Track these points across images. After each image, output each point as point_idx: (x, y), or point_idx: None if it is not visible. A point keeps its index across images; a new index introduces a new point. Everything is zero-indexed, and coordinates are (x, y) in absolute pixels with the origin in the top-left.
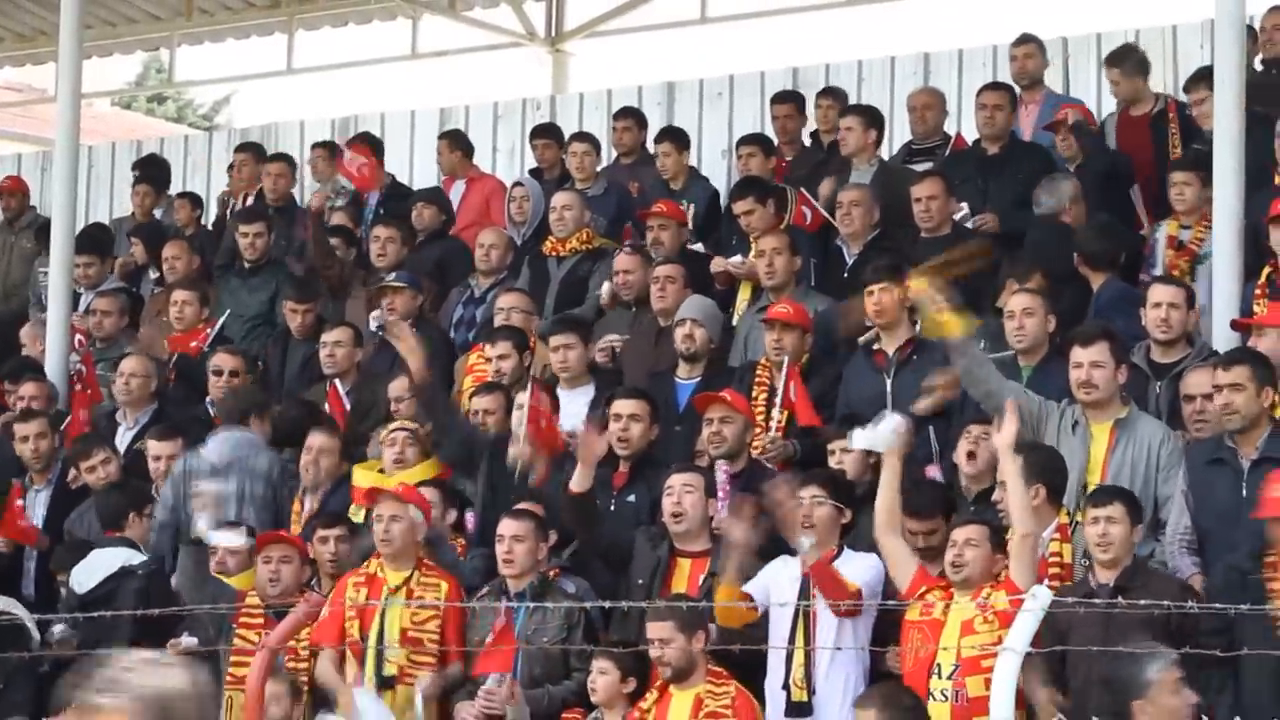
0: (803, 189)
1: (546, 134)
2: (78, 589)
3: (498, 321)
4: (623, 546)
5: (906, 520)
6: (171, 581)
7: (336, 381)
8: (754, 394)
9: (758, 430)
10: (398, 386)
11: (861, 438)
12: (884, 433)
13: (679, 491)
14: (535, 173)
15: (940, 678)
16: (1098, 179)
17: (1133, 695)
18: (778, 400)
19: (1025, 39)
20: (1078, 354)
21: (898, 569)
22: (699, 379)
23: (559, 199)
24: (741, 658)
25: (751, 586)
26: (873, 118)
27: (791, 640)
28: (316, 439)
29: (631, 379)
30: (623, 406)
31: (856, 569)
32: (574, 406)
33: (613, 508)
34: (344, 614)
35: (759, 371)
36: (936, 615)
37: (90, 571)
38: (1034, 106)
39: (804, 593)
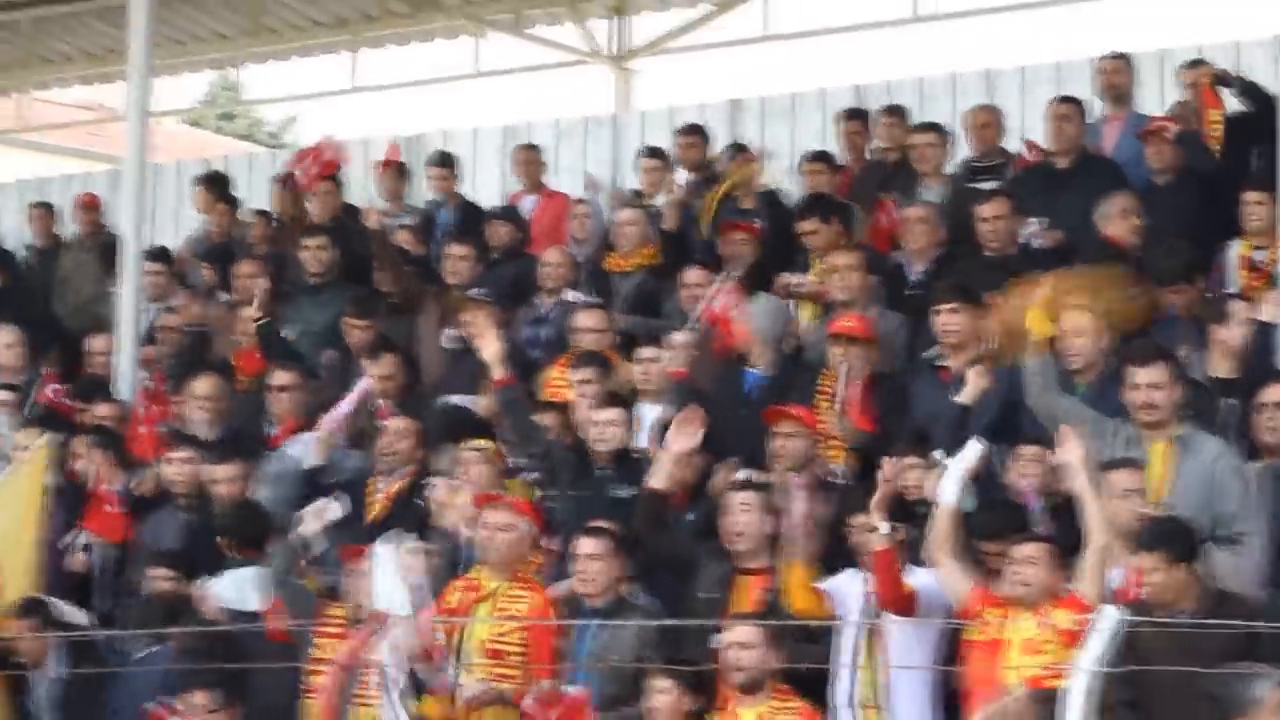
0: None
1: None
2: (235, 606)
3: (574, 341)
4: (686, 558)
5: (981, 543)
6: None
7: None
8: (816, 402)
9: (819, 428)
10: (485, 403)
11: (953, 475)
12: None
13: (737, 510)
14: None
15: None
16: (1190, 193)
17: (1236, 713)
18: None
19: (1115, 55)
20: (1136, 375)
21: (952, 587)
22: (768, 370)
23: (622, 215)
24: (806, 672)
25: (824, 587)
26: (947, 134)
27: (858, 658)
28: (394, 422)
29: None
30: None
31: (917, 582)
32: (653, 419)
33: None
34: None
35: (823, 381)
36: (994, 634)
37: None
38: (1118, 123)
39: (870, 611)
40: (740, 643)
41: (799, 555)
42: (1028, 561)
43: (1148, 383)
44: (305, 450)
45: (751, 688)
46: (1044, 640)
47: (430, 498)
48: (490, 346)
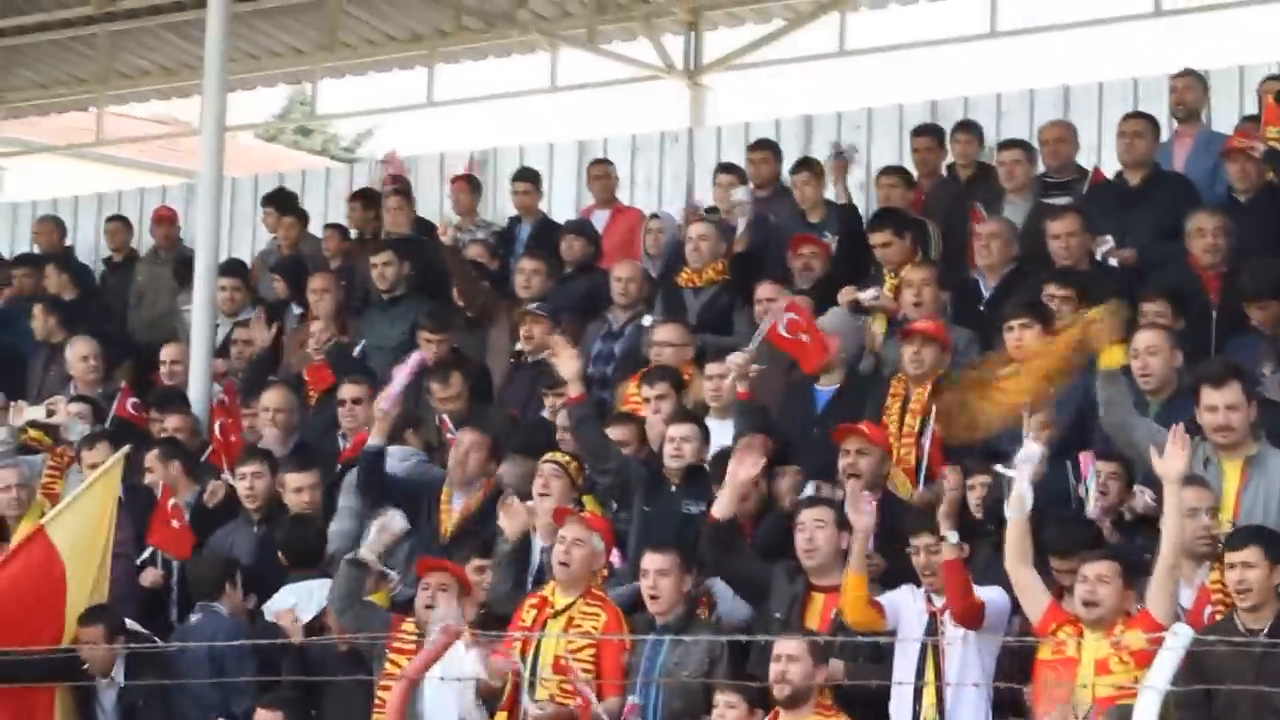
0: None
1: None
2: (303, 616)
3: (652, 355)
4: (760, 580)
5: (1052, 559)
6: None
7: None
8: (887, 403)
9: (889, 444)
10: (563, 415)
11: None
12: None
13: (810, 527)
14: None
15: (1077, 718)
16: (1273, 210)
17: None
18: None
19: (1186, 72)
20: (1211, 396)
21: (1029, 601)
22: (836, 386)
23: (695, 230)
24: (865, 693)
25: (882, 600)
26: (1033, 151)
27: (920, 676)
28: (466, 435)
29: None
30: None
31: (986, 598)
32: (722, 436)
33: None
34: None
35: (894, 384)
36: (1069, 653)
37: (309, 597)
38: (1188, 140)
39: (931, 629)
40: (787, 655)
41: (859, 568)
42: (1099, 581)
43: (1224, 404)
44: (395, 463)
45: (794, 702)
46: (1115, 660)
47: (501, 509)
48: (568, 364)
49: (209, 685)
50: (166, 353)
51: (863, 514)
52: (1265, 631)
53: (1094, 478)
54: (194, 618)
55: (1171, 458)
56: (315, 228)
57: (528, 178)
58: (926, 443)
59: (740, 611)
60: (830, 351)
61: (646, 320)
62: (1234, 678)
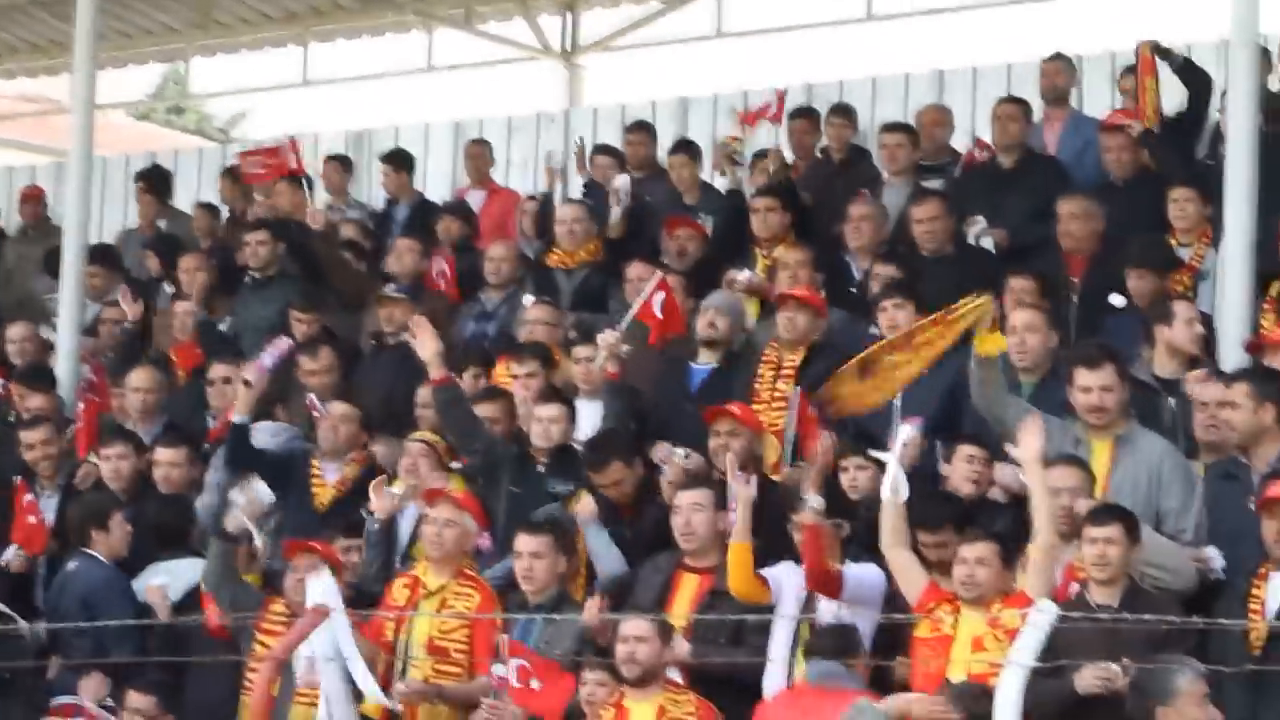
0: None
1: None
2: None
3: (523, 335)
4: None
5: (918, 532)
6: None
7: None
8: (760, 370)
9: (759, 407)
10: (423, 394)
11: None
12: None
13: (687, 510)
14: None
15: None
16: (1148, 191)
17: (1159, 701)
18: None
19: (1057, 56)
20: (1085, 377)
21: (907, 582)
22: (713, 365)
23: (566, 211)
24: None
25: (765, 574)
26: (914, 134)
27: (795, 652)
28: (337, 407)
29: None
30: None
31: (850, 572)
32: (592, 416)
33: (627, 534)
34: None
35: (767, 350)
36: (945, 631)
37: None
38: (1057, 123)
39: (807, 606)
40: (635, 636)
41: (744, 536)
42: (979, 563)
43: (1099, 385)
44: (266, 438)
45: (641, 681)
46: (991, 637)
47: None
48: (429, 344)
49: (84, 635)
50: (14, 331)
51: (745, 485)
52: (1116, 606)
53: (902, 441)
54: (70, 565)
55: (1026, 442)
56: (184, 207)
57: (392, 160)
58: (794, 416)
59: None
60: (683, 329)
61: (527, 300)
62: (1085, 653)
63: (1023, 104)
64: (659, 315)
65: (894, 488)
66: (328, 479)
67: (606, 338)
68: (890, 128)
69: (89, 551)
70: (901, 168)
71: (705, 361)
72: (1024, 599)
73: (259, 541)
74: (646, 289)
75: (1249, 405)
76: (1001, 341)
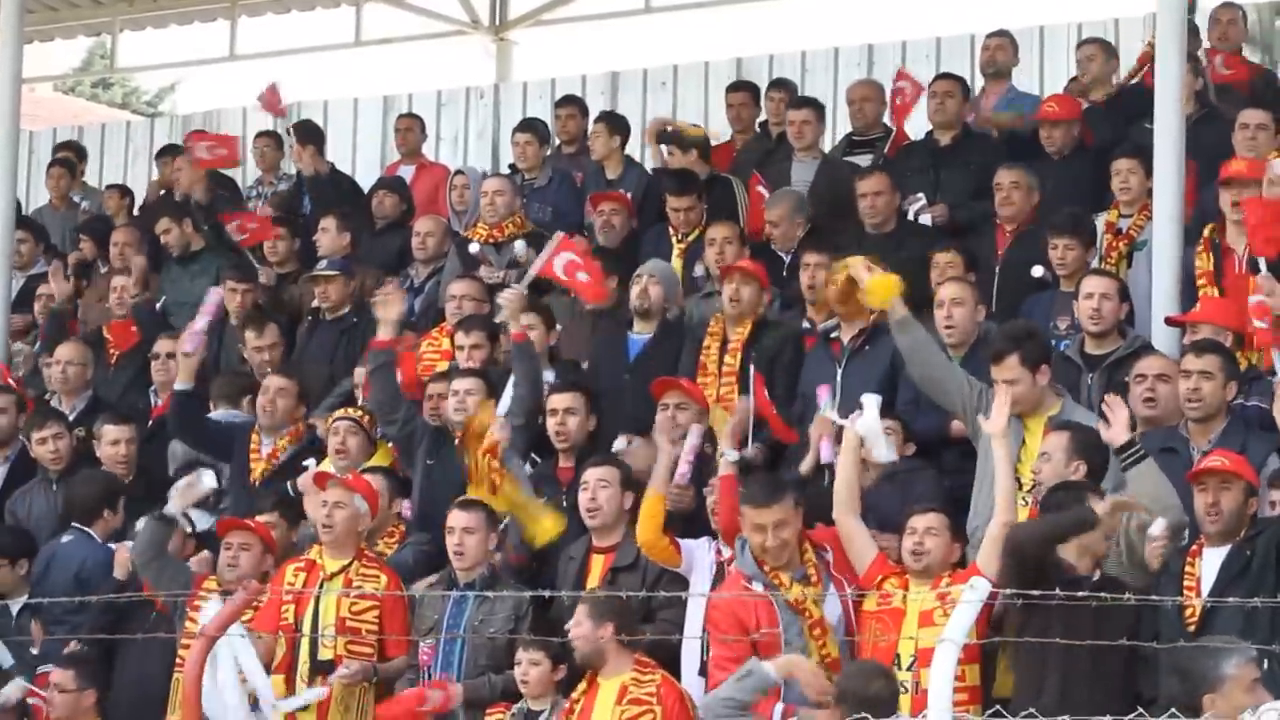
0: (757, 172)
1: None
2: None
3: (450, 310)
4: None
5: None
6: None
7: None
8: (706, 343)
9: (707, 380)
10: (359, 372)
11: (862, 425)
12: (870, 418)
13: (594, 486)
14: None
15: (900, 669)
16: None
17: (1205, 689)
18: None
19: (1000, 32)
20: (992, 371)
21: (856, 553)
22: (650, 335)
23: (489, 184)
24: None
25: (681, 543)
26: (822, 110)
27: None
28: (274, 380)
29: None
30: (559, 400)
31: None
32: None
33: (564, 502)
34: (281, 600)
35: (712, 323)
36: (895, 604)
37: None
38: (994, 97)
39: (718, 577)
40: (574, 620)
41: (660, 488)
42: (928, 533)
43: (1004, 379)
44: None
45: (587, 664)
46: (940, 612)
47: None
48: (394, 308)
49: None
50: None
51: (670, 441)
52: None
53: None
54: (65, 538)
55: (994, 414)
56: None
57: (298, 132)
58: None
59: None
60: (610, 288)
61: (519, 246)
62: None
63: (960, 80)
64: (566, 276)
65: (850, 453)
66: (263, 452)
67: (507, 295)
68: (797, 103)
69: (85, 529)
70: (808, 143)
71: (641, 331)
72: (976, 574)
73: (188, 527)
74: (547, 248)
75: (1220, 378)
76: (890, 285)
